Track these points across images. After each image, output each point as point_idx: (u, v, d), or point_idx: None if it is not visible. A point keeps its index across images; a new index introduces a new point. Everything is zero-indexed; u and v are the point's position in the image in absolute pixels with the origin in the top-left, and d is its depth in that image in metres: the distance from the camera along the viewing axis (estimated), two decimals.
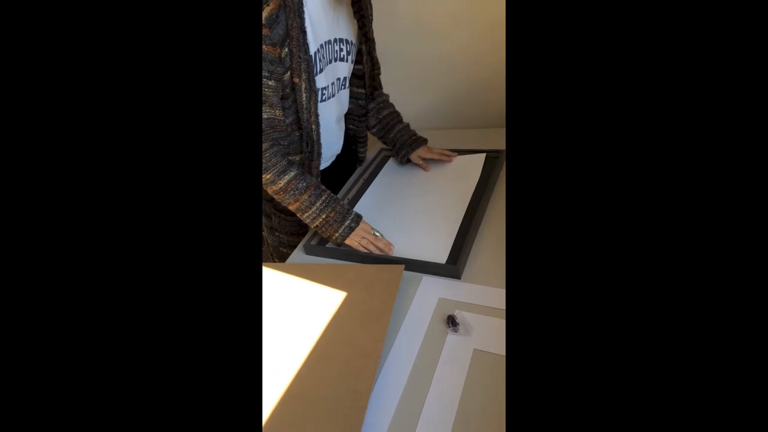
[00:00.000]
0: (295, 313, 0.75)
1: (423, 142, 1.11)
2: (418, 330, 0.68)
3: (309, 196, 0.85)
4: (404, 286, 0.77)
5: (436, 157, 1.09)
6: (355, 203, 1.04)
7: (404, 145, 1.10)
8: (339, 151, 1.11)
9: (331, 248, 0.90)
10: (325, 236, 0.88)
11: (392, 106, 1.13)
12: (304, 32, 0.80)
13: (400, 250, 0.85)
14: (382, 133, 1.13)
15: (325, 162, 1.07)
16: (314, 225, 0.87)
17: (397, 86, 1.42)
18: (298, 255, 0.93)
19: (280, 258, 1.13)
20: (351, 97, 1.08)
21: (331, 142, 1.04)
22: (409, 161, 1.12)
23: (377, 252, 0.84)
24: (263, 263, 0.87)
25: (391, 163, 1.17)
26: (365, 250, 0.85)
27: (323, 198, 0.86)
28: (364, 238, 0.85)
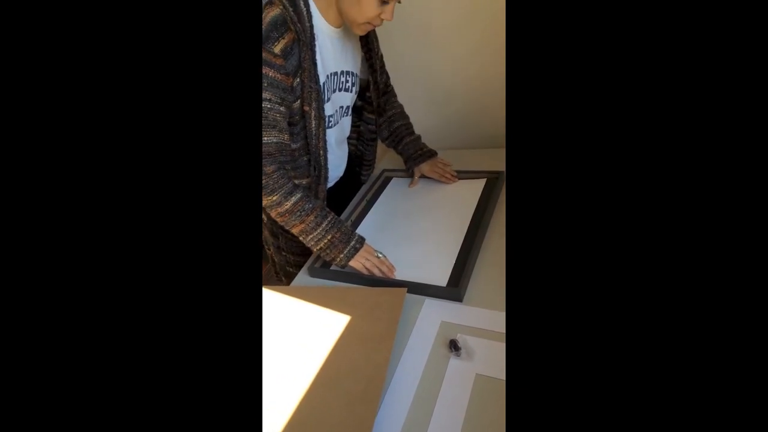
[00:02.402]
0: (299, 337, 0.76)
1: (428, 156, 1.14)
2: (421, 355, 0.69)
3: (315, 217, 0.87)
4: (407, 309, 0.78)
5: (436, 177, 1.12)
6: (358, 225, 1.06)
7: (410, 158, 1.14)
8: (342, 174, 1.13)
9: (335, 270, 0.91)
10: (328, 259, 0.89)
11: (405, 117, 1.17)
12: (314, 64, 0.85)
13: (402, 273, 0.86)
14: (393, 145, 1.17)
15: (328, 183, 1.09)
16: (318, 247, 0.89)
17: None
18: (302, 277, 0.95)
19: (286, 277, 1.15)
20: (361, 120, 1.13)
21: (335, 165, 1.07)
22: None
23: (380, 275, 0.86)
24: (269, 286, 0.89)
25: (392, 186, 1.19)
26: (368, 273, 0.86)
27: (329, 219, 0.88)
28: (368, 260, 0.87)
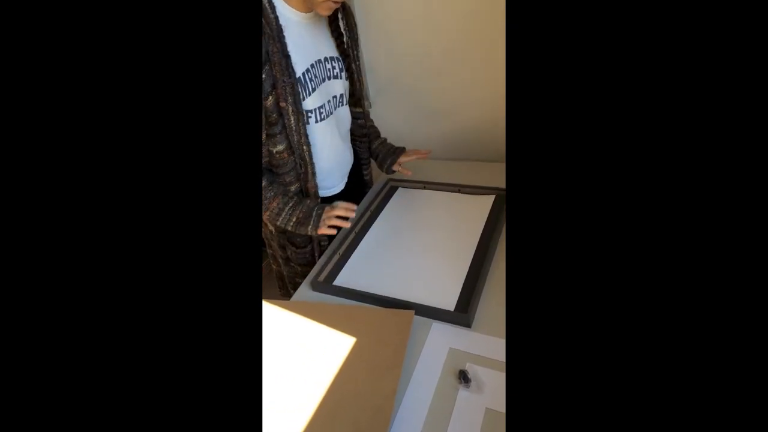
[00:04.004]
0: (303, 358, 0.74)
1: (402, 150, 1.14)
2: (429, 384, 0.67)
3: (278, 204, 0.92)
4: (414, 332, 0.76)
5: (413, 158, 1.12)
6: (363, 236, 1.03)
7: (388, 154, 1.14)
8: (350, 167, 1.11)
9: (337, 286, 0.89)
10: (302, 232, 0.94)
11: (372, 121, 1.18)
12: (287, 57, 0.81)
13: (408, 292, 0.84)
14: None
15: (340, 183, 1.08)
16: (290, 227, 0.94)
17: (406, 113, 1.42)
18: (304, 290, 0.92)
19: (294, 289, 1.13)
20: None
21: (341, 160, 1.05)
22: (393, 171, 1.16)
23: (347, 224, 0.92)
24: (272, 300, 0.86)
25: (397, 197, 1.17)
26: (334, 231, 0.92)
27: (291, 203, 0.92)
28: (330, 218, 0.91)
